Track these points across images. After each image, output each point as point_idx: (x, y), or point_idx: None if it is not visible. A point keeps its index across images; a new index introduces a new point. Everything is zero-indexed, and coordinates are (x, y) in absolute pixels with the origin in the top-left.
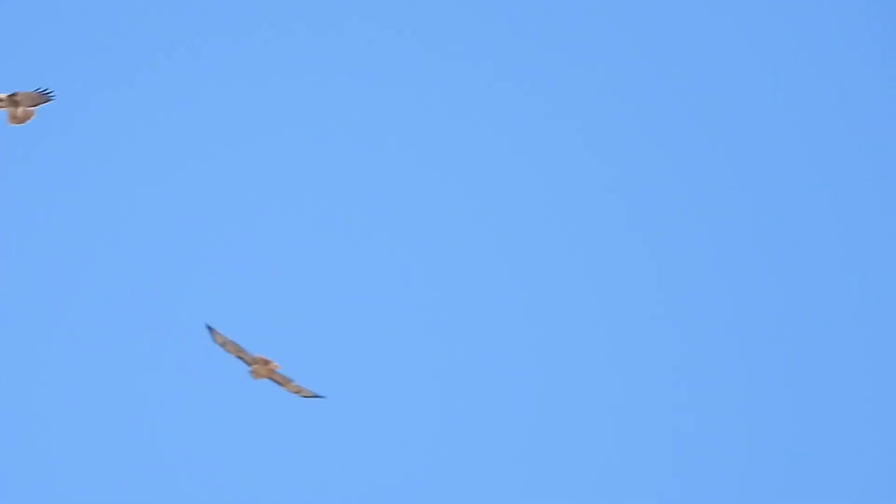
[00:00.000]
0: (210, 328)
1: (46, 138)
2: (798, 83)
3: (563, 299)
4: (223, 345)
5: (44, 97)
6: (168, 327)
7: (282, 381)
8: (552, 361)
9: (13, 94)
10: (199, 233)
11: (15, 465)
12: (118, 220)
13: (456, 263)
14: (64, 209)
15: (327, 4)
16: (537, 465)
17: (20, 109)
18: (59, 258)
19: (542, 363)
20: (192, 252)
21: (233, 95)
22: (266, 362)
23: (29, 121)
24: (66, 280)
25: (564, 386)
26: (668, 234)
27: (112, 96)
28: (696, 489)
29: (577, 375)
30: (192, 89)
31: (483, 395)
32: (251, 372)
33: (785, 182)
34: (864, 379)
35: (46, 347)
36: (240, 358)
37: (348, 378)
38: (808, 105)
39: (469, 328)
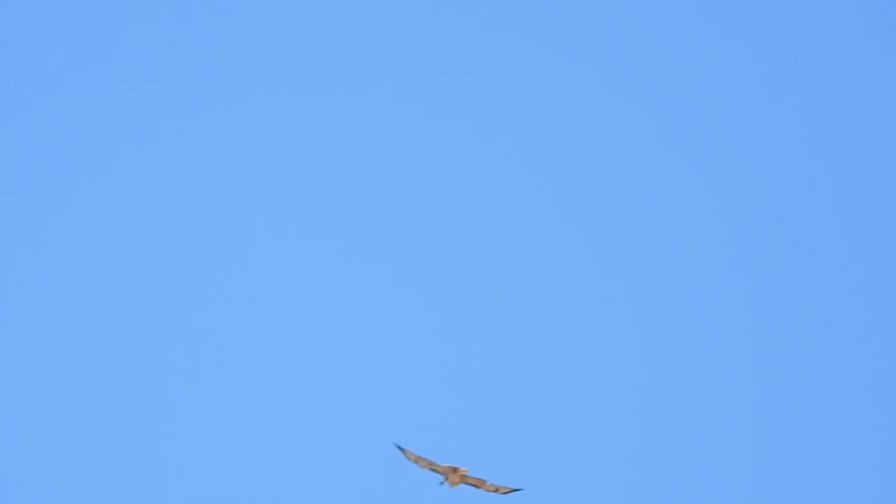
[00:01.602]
0: (401, 448)
1: (52, 144)
2: (798, 83)
3: (567, 300)
4: (416, 461)
5: None
6: (171, 330)
7: (477, 483)
8: (556, 362)
9: None
10: (201, 236)
11: (19, 467)
12: (122, 226)
13: (460, 266)
14: (70, 213)
15: (328, 12)
16: (545, 466)
17: None
18: (63, 262)
19: (546, 364)
20: (194, 255)
21: (236, 102)
22: (455, 470)
23: None
24: (71, 284)
25: (570, 387)
26: (668, 233)
27: (116, 105)
28: (708, 488)
29: (582, 375)
30: (194, 96)
31: (489, 396)
32: (445, 482)
33: (786, 181)
34: (876, 381)
35: (52, 351)
36: (432, 470)
37: (354, 380)
38: (808, 105)
39: (474, 330)
